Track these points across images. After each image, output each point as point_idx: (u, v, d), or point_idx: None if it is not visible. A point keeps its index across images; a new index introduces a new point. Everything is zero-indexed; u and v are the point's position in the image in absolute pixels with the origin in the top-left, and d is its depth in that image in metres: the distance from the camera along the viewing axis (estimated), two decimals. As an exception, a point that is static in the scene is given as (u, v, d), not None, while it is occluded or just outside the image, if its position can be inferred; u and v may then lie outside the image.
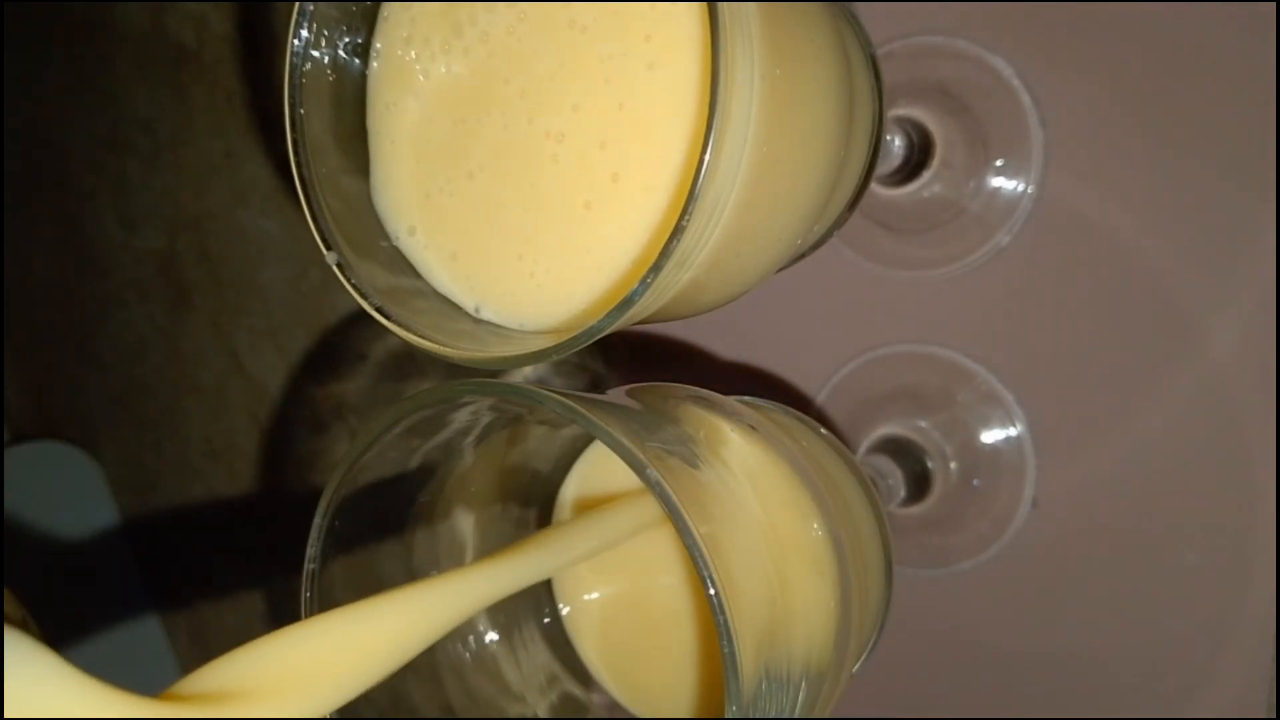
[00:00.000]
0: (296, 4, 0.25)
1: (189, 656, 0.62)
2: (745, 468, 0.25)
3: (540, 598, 0.32)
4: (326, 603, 0.25)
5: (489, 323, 0.27)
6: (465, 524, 0.30)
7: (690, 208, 0.20)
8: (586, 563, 0.31)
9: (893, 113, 0.38)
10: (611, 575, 0.32)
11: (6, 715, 0.15)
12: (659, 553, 0.30)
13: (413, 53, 0.27)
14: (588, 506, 0.31)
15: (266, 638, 0.19)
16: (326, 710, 0.19)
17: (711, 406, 0.28)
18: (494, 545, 0.31)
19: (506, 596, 0.23)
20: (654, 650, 0.31)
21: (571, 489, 0.32)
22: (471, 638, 0.30)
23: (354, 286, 0.25)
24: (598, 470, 0.31)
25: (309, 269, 0.53)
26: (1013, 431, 0.40)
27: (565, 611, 0.32)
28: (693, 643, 0.30)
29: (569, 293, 0.25)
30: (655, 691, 0.30)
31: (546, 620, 0.32)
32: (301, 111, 0.25)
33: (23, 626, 0.17)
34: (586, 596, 0.32)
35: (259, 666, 0.19)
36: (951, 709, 0.42)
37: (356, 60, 0.27)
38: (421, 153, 0.27)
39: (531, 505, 0.32)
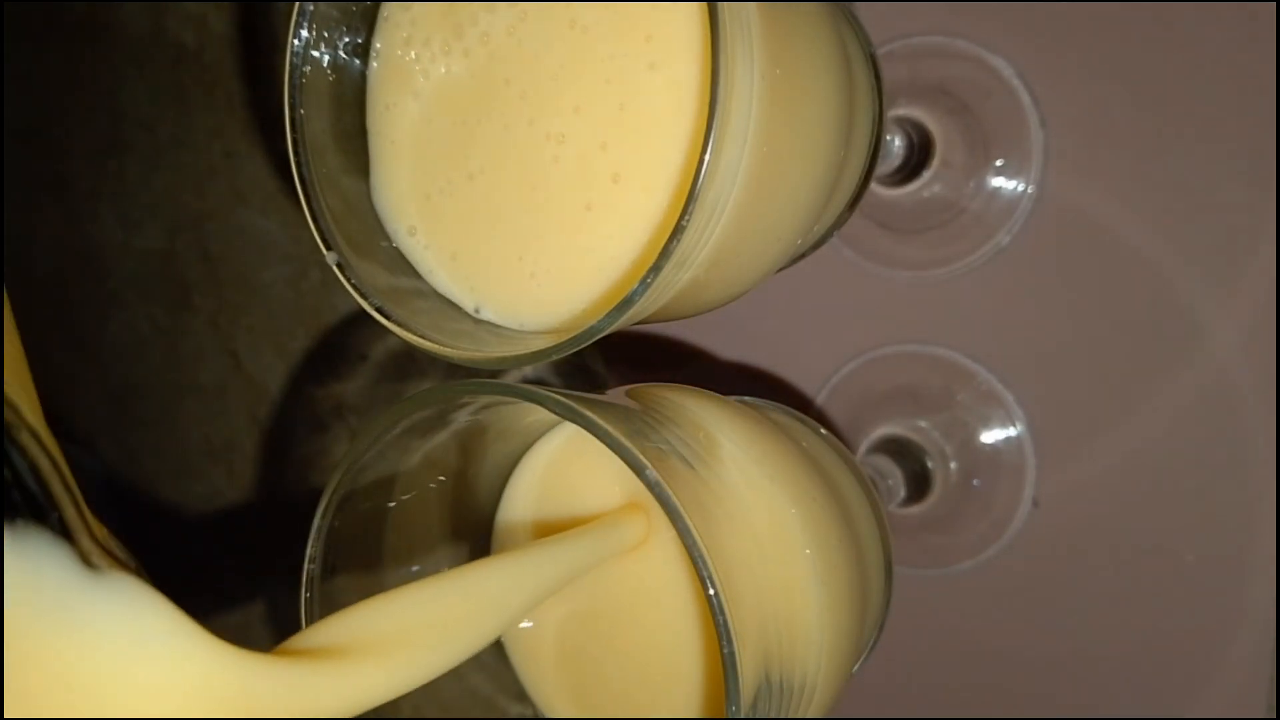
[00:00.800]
0: (296, 4, 0.25)
1: (189, 656, 0.62)
2: (744, 469, 0.25)
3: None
4: (327, 603, 0.25)
5: (489, 323, 0.27)
6: (464, 523, 0.30)
7: (690, 208, 0.20)
8: None
9: (893, 112, 0.38)
10: (565, 593, 0.30)
11: (141, 671, 0.16)
12: (619, 569, 0.28)
13: (413, 53, 0.27)
14: (546, 504, 0.31)
15: (388, 594, 0.20)
16: (446, 667, 0.20)
17: (711, 407, 0.28)
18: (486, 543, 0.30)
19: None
20: (617, 673, 0.29)
21: (529, 488, 0.31)
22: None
23: (354, 286, 0.25)
24: (553, 471, 0.30)
25: (309, 269, 0.53)
26: (1013, 431, 0.40)
27: (528, 624, 0.30)
28: (663, 663, 0.28)
29: (569, 293, 0.25)
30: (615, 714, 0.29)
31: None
32: (301, 112, 0.25)
33: (139, 575, 0.17)
34: (532, 618, 0.30)
35: (385, 621, 0.19)
36: (951, 709, 0.42)
37: (356, 61, 0.27)
38: (422, 154, 0.27)
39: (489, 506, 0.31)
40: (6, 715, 0.15)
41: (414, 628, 0.19)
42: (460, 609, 0.20)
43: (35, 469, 0.16)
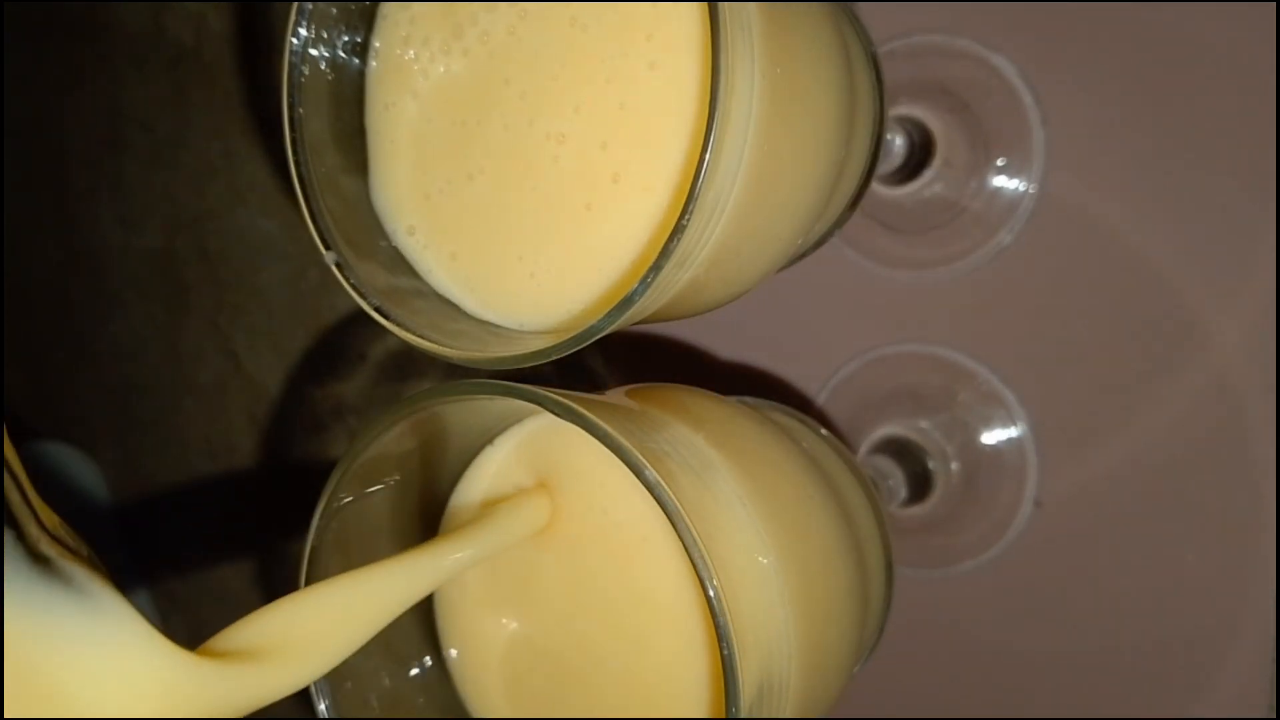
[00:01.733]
0: (295, 3, 0.25)
1: (188, 657, 0.62)
2: (744, 469, 0.25)
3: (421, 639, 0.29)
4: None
5: (489, 323, 0.27)
6: (459, 519, 0.30)
7: (690, 207, 0.20)
8: (481, 599, 0.29)
9: (894, 112, 0.38)
10: (512, 611, 0.29)
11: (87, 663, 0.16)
12: (571, 587, 0.27)
13: (412, 52, 0.27)
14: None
15: (291, 599, 0.21)
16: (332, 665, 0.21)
17: (711, 407, 0.28)
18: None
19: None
20: (569, 701, 0.28)
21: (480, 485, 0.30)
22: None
23: (353, 286, 0.25)
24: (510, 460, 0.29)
25: (308, 269, 0.53)
26: (1014, 432, 0.40)
27: (454, 655, 0.29)
28: (618, 676, 0.27)
29: (569, 293, 0.25)
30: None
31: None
32: (300, 111, 0.25)
33: (90, 565, 0.17)
34: (481, 636, 0.29)
35: (291, 625, 0.20)
36: (952, 709, 0.42)
37: (355, 59, 0.27)
38: (421, 153, 0.27)
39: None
40: None
41: (314, 631, 0.20)
42: (356, 612, 0.21)
43: None
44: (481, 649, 0.29)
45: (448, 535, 0.25)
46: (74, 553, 0.17)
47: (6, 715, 0.15)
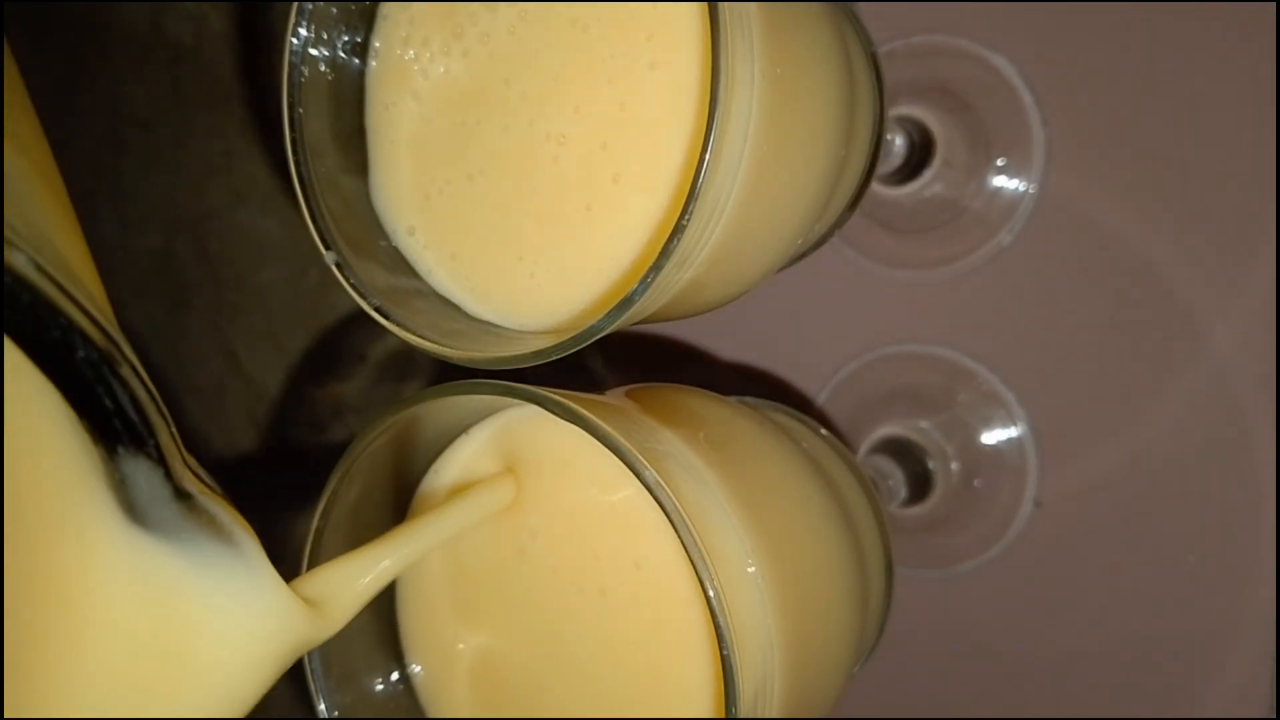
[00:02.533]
0: (295, 3, 0.25)
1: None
2: (743, 469, 0.25)
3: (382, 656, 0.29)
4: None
5: (488, 323, 0.27)
6: (426, 506, 0.29)
7: (690, 207, 0.20)
8: (446, 608, 0.28)
9: (894, 112, 0.38)
10: (478, 620, 0.28)
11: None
12: (539, 585, 0.27)
13: (412, 53, 0.27)
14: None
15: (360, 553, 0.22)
16: None
17: (711, 408, 0.28)
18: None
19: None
20: (539, 707, 0.27)
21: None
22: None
23: (353, 286, 0.25)
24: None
25: (308, 269, 0.53)
26: (1014, 432, 0.40)
27: (417, 671, 0.29)
28: (598, 693, 0.26)
29: (569, 293, 0.25)
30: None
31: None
32: (300, 111, 0.25)
33: (229, 503, 0.18)
34: (446, 649, 0.28)
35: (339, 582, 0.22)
36: (952, 709, 0.42)
37: (355, 60, 0.27)
38: (421, 154, 0.27)
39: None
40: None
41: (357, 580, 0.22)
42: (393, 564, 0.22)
43: (134, 399, 0.17)
44: (447, 662, 0.28)
45: (413, 519, 0.25)
46: (211, 489, 0.18)
47: (145, 668, 0.16)
